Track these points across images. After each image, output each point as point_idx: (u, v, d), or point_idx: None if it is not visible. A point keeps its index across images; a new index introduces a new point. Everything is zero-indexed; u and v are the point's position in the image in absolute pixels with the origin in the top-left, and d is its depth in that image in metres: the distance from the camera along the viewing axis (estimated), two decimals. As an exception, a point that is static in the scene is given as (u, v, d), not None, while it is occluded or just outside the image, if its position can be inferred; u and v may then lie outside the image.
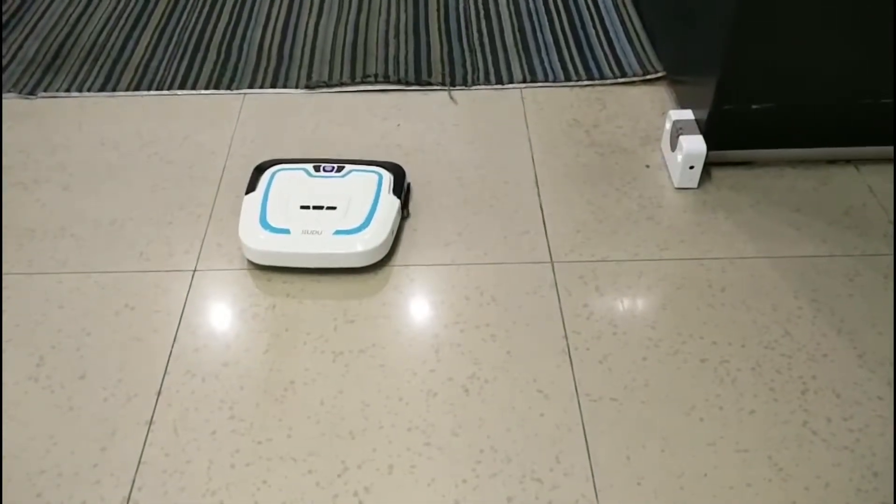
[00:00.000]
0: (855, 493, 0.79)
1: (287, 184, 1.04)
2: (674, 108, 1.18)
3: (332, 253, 0.98)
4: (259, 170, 1.08)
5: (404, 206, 1.06)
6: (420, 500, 0.78)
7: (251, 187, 1.05)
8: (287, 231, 0.98)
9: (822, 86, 1.05)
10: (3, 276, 1.00)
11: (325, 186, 1.04)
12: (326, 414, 0.85)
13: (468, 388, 0.88)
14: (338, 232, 0.98)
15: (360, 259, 0.99)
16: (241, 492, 0.79)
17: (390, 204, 1.03)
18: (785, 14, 0.97)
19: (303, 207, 1.00)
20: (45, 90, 1.30)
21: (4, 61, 1.36)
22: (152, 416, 0.85)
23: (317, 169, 1.05)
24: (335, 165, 1.06)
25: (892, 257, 1.02)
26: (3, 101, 1.29)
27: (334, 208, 1.00)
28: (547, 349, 0.92)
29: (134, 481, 0.80)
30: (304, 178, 1.04)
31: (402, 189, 1.06)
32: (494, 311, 0.96)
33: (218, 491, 0.79)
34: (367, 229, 0.99)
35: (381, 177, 1.05)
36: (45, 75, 1.33)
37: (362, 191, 1.03)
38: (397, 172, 1.08)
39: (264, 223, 0.99)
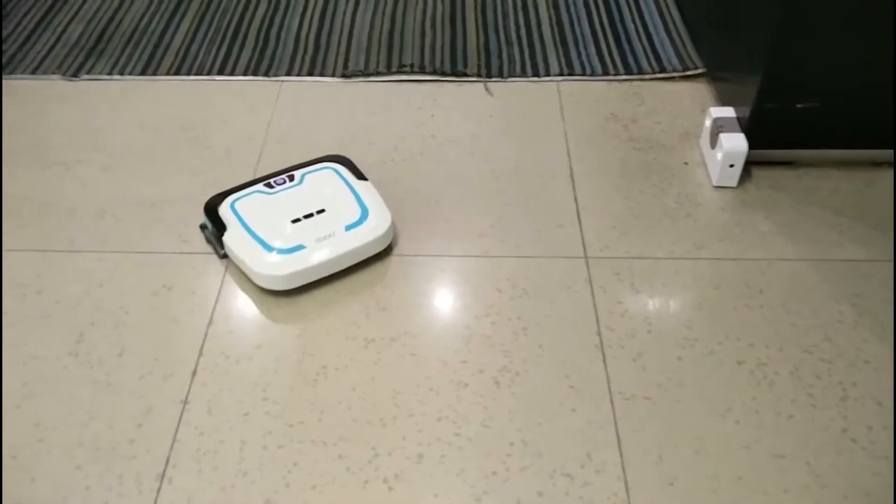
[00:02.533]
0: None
1: (255, 209, 0.99)
2: (714, 105, 1.16)
3: (358, 247, 0.97)
4: (212, 210, 1.01)
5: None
6: (449, 490, 0.78)
7: (220, 228, 0.99)
8: (302, 246, 0.95)
9: (868, 86, 1.03)
10: (47, 254, 1.02)
11: (293, 196, 1.00)
12: (358, 400, 0.86)
13: (499, 380, 0.88)
14: (348, 227, 0.97)
15: (383, 242, 0.99)
16: (273, 473, 0.79)
17: (367, 187, 1.03)
18: (832, 12, 0.95)
19: (294, 221, 0.97)
20: (87, 73, 1.32)
21: (50, 43, 1.38)
22: (187, 396, 0.86)
23: (269, 186, 1.02)
24: (283, 177, 1.03)
25: (894, 263, 0.99)
26: (48, 81, 1.31)
27: (323, 210, 0.98)
28: (580, 345, 0.91)
29: (168, 459, 0.81)
30: (266, 198, 1.00)
31: (361, 172, 1.06)
32: (527, 304, 0.95)
33: (250, 472, 0.80)
34: (371, 214, 0.99)
35: (335, 169, 1.04)
36: (87, 58, 1.35)
37: (330, 186, 1.02)
38: (344, 161, 1.07)
39: (270, 249, 0.95)
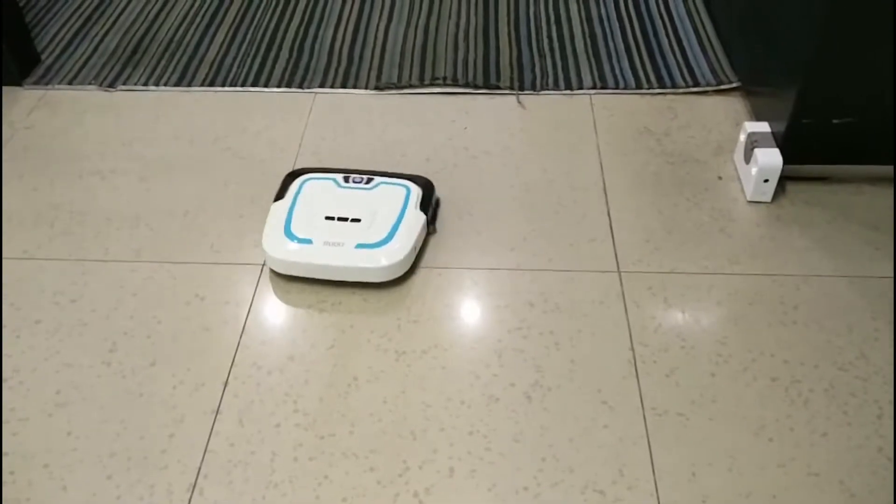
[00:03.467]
0: (934, 526, 0.75)
1: (315, 193, 1.04)
2: (748, 120, 1.15)
3: (352, 266, 0.96)
4: (290, 176, 1.08)
5: (431, 223, 1.04)
6: (480, 505, 0.78)
7: (280, 194, 1.05)
8: (310, 241, 0.97)
9: (907, 101, 1.01)
10: (82, 262, 1.04)
11: (353, 198, 1.02)
12: (389, 412, 0.86)
13: (531, 395, 0.87)
14: (360, 245, 0.97)
15: (381, 274, 0.97)
16: (303, 486, 0.80)
17: (416, 219, 1.01)
18: (869, 27, 0.94)
19: (328, 218, 1.00)
20: (123, 84, 1.34)
21: (87, 54, 1.41)
22: (219, 406, 0.87)
23: (346, 179, 1.04)
24: (365, 177, 1.05)
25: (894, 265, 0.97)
26: (85, 92, 1.33)
27: (359, 220, 0.99)
28: (612, 360, 0.90)
29: (200, 469, 0.81)
30: (333, 188, 1.04)
31: (429, 204, 1.05)
32: (559, 318, 0.95)
33: (280, 483, 0.80)
34: (390, 244, 0.97)
35: (409, 191, 1.04)
36: (124, 69, 1.37)
37: (389, 204, 1.02)
38: (426, 187, 1.06)
39: (288, 232, 0.99)
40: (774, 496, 0.78)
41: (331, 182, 1.05)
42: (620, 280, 0.99)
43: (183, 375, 0.90)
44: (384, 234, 0.98)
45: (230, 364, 0.91)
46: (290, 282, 1.00)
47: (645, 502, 0.78)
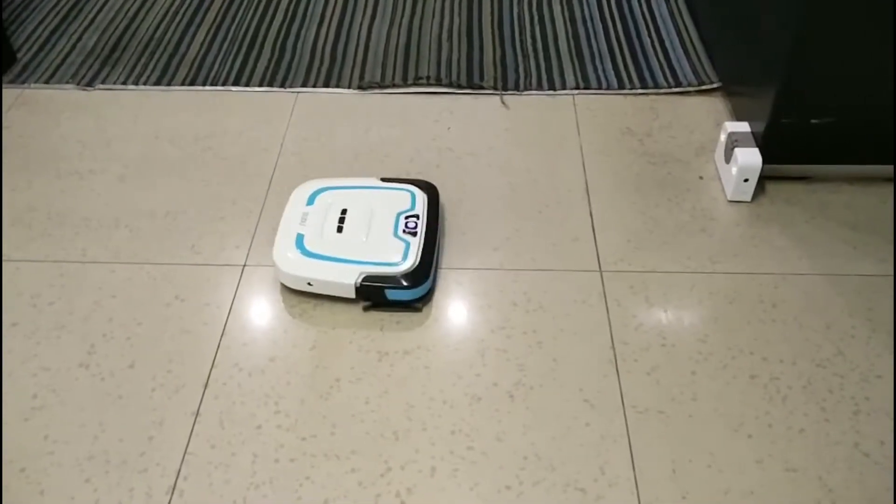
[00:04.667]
0: (910, 520, 0.76)
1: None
2: (729, 120, 1.16)
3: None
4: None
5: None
6: (462, 505, 0.78)
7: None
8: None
9: (883, 102, 1.02)
10: (59, 264, 1.03)
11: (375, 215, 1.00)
12: (371, 413, 0.85)
13: (513, 394, 0.87)
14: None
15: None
16: (285, 487, 0.79)
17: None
18: (847, 27, 0.95)
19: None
20: (102, 82, 1.33)
21: (65, 52, 1.39)
22: (199, 408, 0.86)
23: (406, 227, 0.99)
24: (414, 220, 0.99)
25: (894, 266, 0.99)
26: (62, 91, 1.32)
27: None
28: (594, 359, 0.91)
29: (179, 471, 0.81)
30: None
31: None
32: (542, 318, 0.95)
33: (262, 485, 0.79)
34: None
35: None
36: (102, 67, 1.36)
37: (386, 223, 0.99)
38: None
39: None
40: (752, 492, 0.79)
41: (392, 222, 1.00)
42: (602, 279, 1.00)
43: (163, 378, 0.89)
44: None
45: (211, 366, 0.90)
46: (271, 283, 1.00)
47: (626, 500, 0.78)
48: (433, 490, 0.79)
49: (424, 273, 0.95)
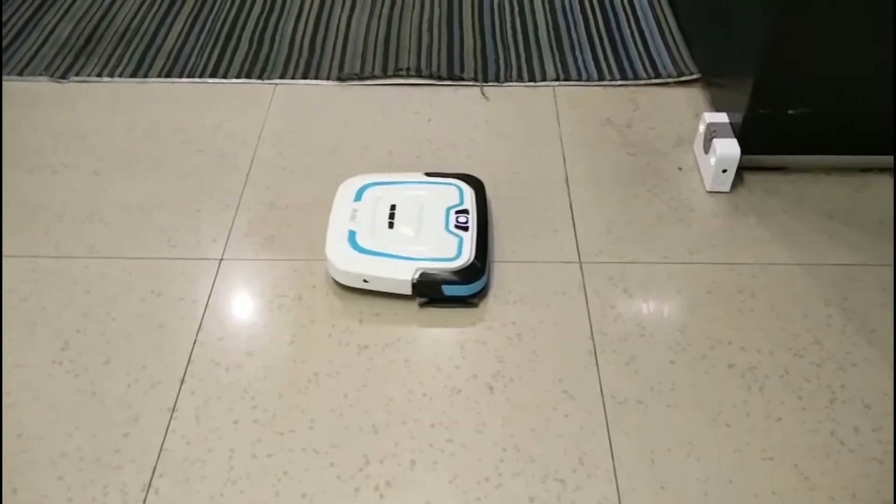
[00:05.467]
0: (883, 506, 0.77)
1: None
2: (708, 111, 1.16)
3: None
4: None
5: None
6: (442, 497, 0.78)
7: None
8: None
9: (859, 93, 1.03)
10: (32, 259, 1.01)
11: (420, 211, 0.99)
12: (350, 407, 0.85)
13: (493, 385, 0.87)
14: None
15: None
16: (262, 482, 0.79)
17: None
18: (824, 19, 0.95)
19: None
20: (77, 74, 1.31)
21: (38, 44, 1.37)
22: (175, 404, 0.85)
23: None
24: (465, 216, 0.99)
25: (894, 264, 1.00)
26: (36, 83, 1.30)
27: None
28: (573, 349, 0.91)
29: (155, 468, 0.80)
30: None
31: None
32: (521, 309, 0.95)
33: (238, 480, 0.79)
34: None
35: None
36: (77, 59, 1.34)
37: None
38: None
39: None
40: (731, 481, 0.79)
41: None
42: (582, 270, 1.00)
43: (138, 373, 0.88)
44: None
45: (187, 361, 0.89)
46: (248, 277, 0.99)
47: (604, 490, 0.78)
48: (412, 483, 0.79)
49: (480, 268, 0.95)
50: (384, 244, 0.95)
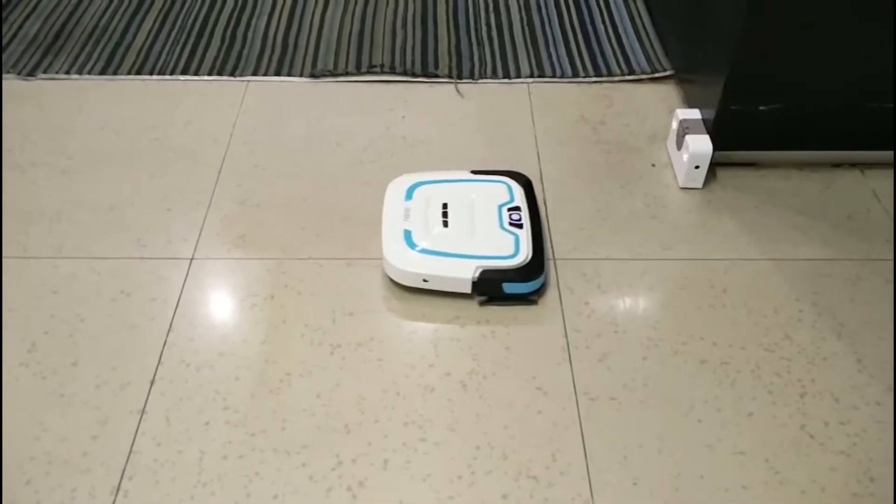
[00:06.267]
0: (851, 497, 0.78)
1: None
2: (681, 107, 1.17)
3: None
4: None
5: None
6: (414, 496, 0.77)
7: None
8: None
9: (830, 89, 1.04)
10: (-1, 259, 0.99)
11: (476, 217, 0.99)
12: (322, 407, 0.84)
13: (466, 383, 0.87)
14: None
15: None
16: (233, 484, 0.78)
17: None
18: (794, 16, 0.96)
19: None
20: (44, 72, 1.29)
21: (4, 41, 1.35)
22: (145, 406, 0.84)
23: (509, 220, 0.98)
24: (519, 214, 0.98)
25: (894, 262, 1.01)
26: (3, 81, 1.27)
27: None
28: (547, 346, 0.91)
29: (124, 471, 0.79)
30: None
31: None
32: (495, 306, 0.95)
33: (209, 482, 0.78)
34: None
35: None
36: (45, 56, 1.32)
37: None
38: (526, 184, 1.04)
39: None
40: (702, 476, 0.80)
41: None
42: (555, 267, 1.00)
43: (107, 375, 0.87)
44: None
45: (157, 362, 0.88)
46: (219, 276, 0.98)
47: (577, 486, 0.78)
48: (385, 482, 0.78)
49: (539, 265, 0.94)
50: (441, 243, 0.95)
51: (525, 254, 0.94)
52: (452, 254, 0.94)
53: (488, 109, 1.24)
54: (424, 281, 0.94)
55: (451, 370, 0.88)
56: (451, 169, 1.08)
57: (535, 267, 0.94)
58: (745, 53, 1.01)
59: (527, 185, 1.04)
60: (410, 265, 0.93)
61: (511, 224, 0.96)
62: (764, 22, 0.97)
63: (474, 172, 1.05)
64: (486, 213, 0.98)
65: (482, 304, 0.94)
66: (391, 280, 0.97)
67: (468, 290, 0.94)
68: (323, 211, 1.07)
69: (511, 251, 0.94)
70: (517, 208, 0.99)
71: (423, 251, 0.94)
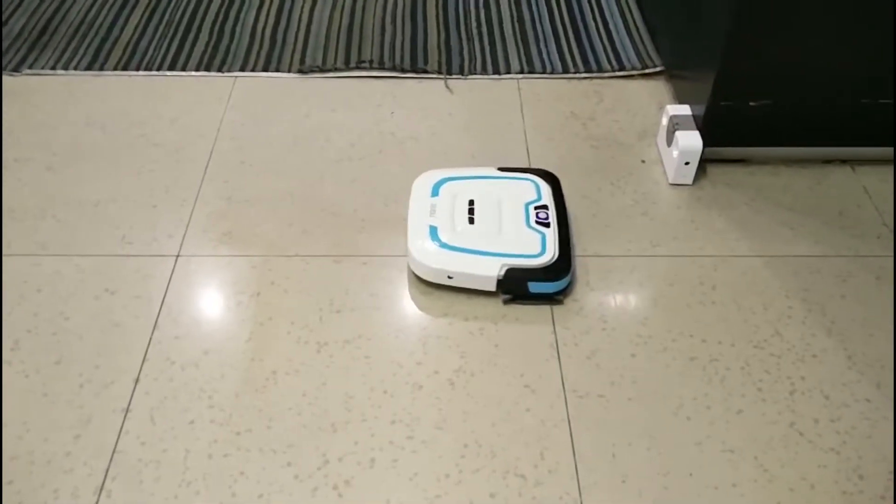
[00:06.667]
0: (840, 495, 0.78)
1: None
2: (671, 104, 1.16)
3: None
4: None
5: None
6: (402, 495, 0.77)
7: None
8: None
9: (820, 85, 1.04)
10: (-18, 257, 0.98)
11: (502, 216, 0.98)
12: (308, 405, 0.84)
13: (454, 381, 0.86)
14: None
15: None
16: (218, 483, 0.77)
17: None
18: (785, 11, 0.96)
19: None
20: (30, 67, 1.27)
21: (-10, 37, 1.33)
22: (129, 404, 0.83)
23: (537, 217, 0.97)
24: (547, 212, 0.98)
25: (884, 259, 1.01)
26: (-12, 77, 1.26)
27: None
28: (535, 343, 0.90)
29: (108, 470, 0.78)
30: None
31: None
32: (484, 304, 0.94)
33: (194, 482, 0.77)
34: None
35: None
36: (30, 52, 1.30)
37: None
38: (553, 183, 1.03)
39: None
40: (691, 474, 0.79)
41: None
42: (544, 264, 0.99)
43: (91, 373, 0.86)
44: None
45: (142, 360, 0.87)
46: (205, 273, 0.97)
47: (565, 485, 0.78)
48: (372, 481, 0.78)
49: (566, 265, 0.93)
50: (467, 240, 0.94)
51: (552, 253, 0.93)
52: (478, 251, 0.93)
53: (478, 105, 1.24)
54: (449, 277, 0.93)
55: (439, 368, 0.88)
56: (448, 168, 1.06)
57: (562, 266, 0.93)
58: (735, 49, 1.00)
59: (554, 183, 1.03)
60: (435, 261, 0.93)
61: (538, 222, 0.96)
62: (754, 18, 0.97)
63: (501, 169, 1.04)
64: (512, 211, 0.97)
65: (506, 302, 0.94)
66: (378, 277, 0.96)
67: (493, 287, 0.93)
68: (310, 207, 1.06)
69: (537, 250, 0.93)
70: (544, 207, 0.98)
71: (449, 247, 0.93)
